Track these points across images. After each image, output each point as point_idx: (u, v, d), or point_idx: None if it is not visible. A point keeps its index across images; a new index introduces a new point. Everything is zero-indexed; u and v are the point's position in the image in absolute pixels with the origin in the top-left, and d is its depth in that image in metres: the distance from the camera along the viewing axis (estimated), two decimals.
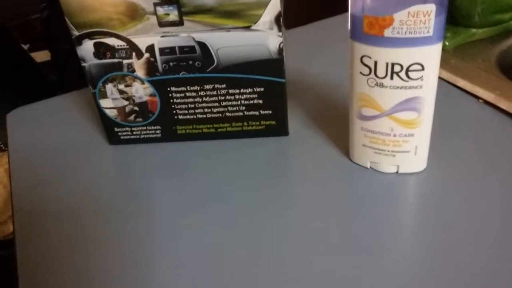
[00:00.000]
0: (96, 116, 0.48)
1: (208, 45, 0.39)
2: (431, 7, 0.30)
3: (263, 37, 0.38)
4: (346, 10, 0.33)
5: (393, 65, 0.33)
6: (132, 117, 0.43)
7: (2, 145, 1.33)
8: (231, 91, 0.41)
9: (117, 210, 0.38)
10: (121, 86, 0.41)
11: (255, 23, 0.37)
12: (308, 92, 0.50)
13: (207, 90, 0.41)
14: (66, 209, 0.38)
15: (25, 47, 1.86)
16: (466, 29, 0.53)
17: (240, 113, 0.43)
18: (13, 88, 1.39)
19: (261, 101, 0.42)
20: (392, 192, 0.37)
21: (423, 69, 0.33)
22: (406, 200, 0.37)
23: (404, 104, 0.35)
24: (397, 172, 0.38)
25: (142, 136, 0.44)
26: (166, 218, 0.37)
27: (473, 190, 0.36)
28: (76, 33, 0.38)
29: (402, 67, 0.33)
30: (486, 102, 0.45)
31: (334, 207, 0.36)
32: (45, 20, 1.52)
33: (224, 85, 0.41)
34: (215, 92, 0.41)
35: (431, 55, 0.32)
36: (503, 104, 0.43)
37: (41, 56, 1.97)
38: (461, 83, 0.48)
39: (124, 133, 0.44)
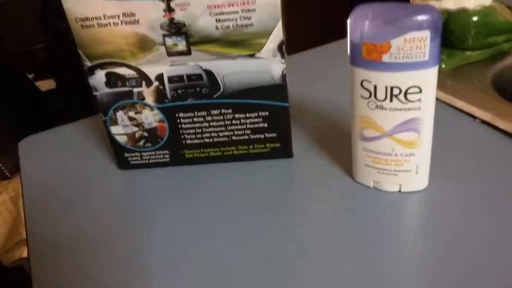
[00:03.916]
0: (105, 143, 0.49)
1: (215, 73, 0.40)
2: (426, 33, 0.32)
3: (267, 64, 0.40)
4: (345, 36, 0.35)
5: (392, 88, 0.35)
6: (141, 143, 0.45)
7: (7, 172, 1.34)
8: (237, 115, 0.43)
9: (127, 234, 0.39)
10: (131, 113, 0.43)
11: (259, 51, 0.39)
12: (310, 114, 0.52)
13: (214, 115, 0.43)
14: (79, 234, 0.40)
15: (30, 76, 1.88)
16: (461, 51, 0.55)
17: (246, 137, 0.44)
18: (18, 116, 1.41)
19: (266, 125, 0.43)
20: (395, 210, 0.38)
21: (420, 91, 0.34)
22: (409, 219, 0.38)
23: (404, 125, 0.36)
24: (399, 191, 0.39)
25: (151, 161, 0.46)
26: (175, 242, 0.38)
27: (474, 208, 0.37)
28: (88, 64, 0.40)
29: (400, 90, 0.35)
30: (483, 122, 0.47)
31: (340, 227, 0.37)
32: (50, 50, 1.55)
33: (230, 110, 0.43)
34: (221, 117, 0.43)
35: (428, 78, 0.34)
36: (500, 124, 0.45)
37: (46, 84, 2.00)
38: (458, 103, 0.49)
39: (133, 158, 0.46)
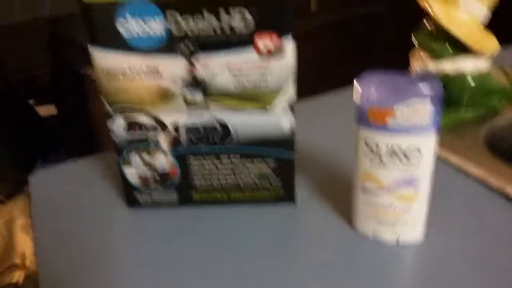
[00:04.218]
0: (114, 180, 0.51)
1: (228, 124, 0.43)
2: (428, 102, 0.35)
3: (278, 118, 0.43)
4: (344, 85, 0.38)
5: (394, 148, 0.37)
6: (152, 184, 0.47)
7: (2, 198, 1.34)
8: (245, 163, 0.45)
9: (133, 272, 0.41)
10: (145, 156, 0.45)
11: (271, 106, 0.42)
12: (313, 161, 0.54)
13: (223, 161, 0.45)
14: (86, 269, 0.41)
15: (30, 101, 1.89)
16: (457, 110, 0.58)
17: (252, 183, 0.47)
18: (16, 142, 1.42)
19: (272, 173, 0.46)
20: (392, 262, 0.40)
21: (420, 152, 0.37)
22: (405, 271, 0.40)
23: (404, 181, 0.39)
24: (397, 242, 0.42)
25: (159, 201, 0.48)
26: (179, 282, 0.40)
27: (467, 262, 0.40)
28: (109, 109, 0.43)
29: (402, 150, 0.37)
30: (476, 179, 0.49)
31: (339, 277, 0.39)
32: (53, 76, 1.57)
33: (239, 158, 0.45)
34: (230, 164, 0.45)
35: (427, 141, 0.37)
36: (492, 181, 0.48)
37: (46, 110, 2.01)
38: (453, 159, 0.52)
39: (143, 198, 0.48)
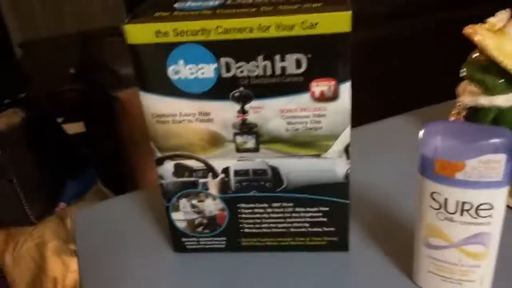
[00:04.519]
0: (160, 220, 0.50)
1: (280, 169, 0.41)
2: (502, 157, 0.33)
3: (332, 164, 0.41)
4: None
5: (463, 203, 0.35)
6: (200, 229, 0.45)
7: (33, 218, 1.34)
8: (297, 209, 0.43)
9: None
10: (194, 201, 0.44)
11: (325, 152, 0.40)
12: (368, 203, 0.52)
13: (274, 207, 0.43)
14: None
15: (59, 120, 1.91)
16: None
17: (304, 229, 0.45)
18: (46, 161, 1.43)
19: (325, 219, 0.44)
20: None
21: (492, 208, 0.35)
22: None
23: (473, 238, 0.36)
24: None
25: (207, 246, 0.46)
26: None
27: None
28: (159, 154, 0.42)
29: (472, 205, 0.35)
30: None
31: None
32: (81, 95, 1.58)
33: (291, 204, 0.43)
34: (281, 210, 0.44)
35: (500, 197, 0.34)
36: None
37: (74, 128, 2.04)
38: None
39: (190, 243, 0.46)
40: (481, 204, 0.35)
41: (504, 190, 0.34)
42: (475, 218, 0.35)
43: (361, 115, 0.82)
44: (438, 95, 0.65)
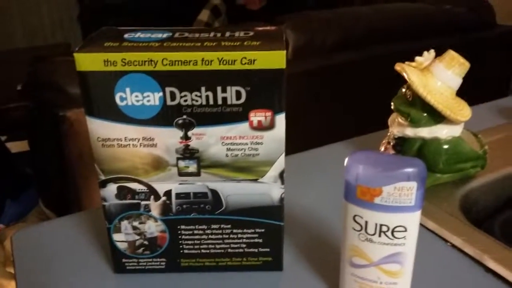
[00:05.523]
0: (99, 242, 0.51)
1: (219, 192, 0.44)
2: (413, 184, 0.37)
3: (268, 188, 0.44)
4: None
5: (381, 225, 0.39)
6: (140, 250, 0.47)
7: None
8: (234, 231, 0.46)
9: None
10: (136, 223, 0.45)
11: (262, 177, 0.44)
12: (300, 225, 0.55)
13: (213, 229, 0.46)
14: None
15: (3, 137, 1.85)
16: (432, 174, 0.61)
17: (241, 250, 0.47)
18: None
19: (260, 240, 0.47)
20: None
21: (406, 230, 0.39)
22: None
23: (390, 257, 0.40)
24: None
25: (147, 267, 0.48)
26: None
27: None
28: (102, 177, 0.43)
29: (388, 228, 0.39)
30: (454, 246, 0.51)
31: None
32: (28, 114, 1.54)
33: (229, 226, 0.46)
34: (220, 231, 0.46)
35: (413, 220, 0.39)
36: (469, 250, 0.50)
37: (17, 146, 1.96)
38: (430, 225, 0.54)
39: (130, 264, 0.48)
40: (396, 227, 0.39)
41: (417, 214, 0.39)
42: (391, 239, 0.39)
43: (307, 140, 0.87)
44: (383, 122, 0.69)
